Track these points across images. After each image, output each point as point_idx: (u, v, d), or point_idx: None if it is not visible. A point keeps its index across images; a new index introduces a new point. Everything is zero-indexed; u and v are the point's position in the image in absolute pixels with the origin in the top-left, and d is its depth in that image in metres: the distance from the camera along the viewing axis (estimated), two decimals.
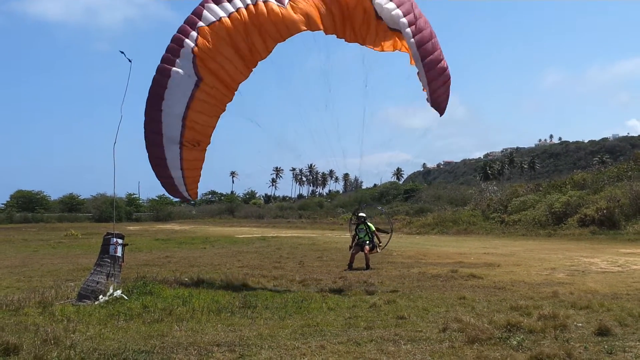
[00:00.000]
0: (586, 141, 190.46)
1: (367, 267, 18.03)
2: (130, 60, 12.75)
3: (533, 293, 12.57)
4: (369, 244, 18.55)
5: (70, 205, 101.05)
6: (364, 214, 19.21)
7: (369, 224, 18.91)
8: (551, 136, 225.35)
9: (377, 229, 19.31)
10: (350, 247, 18.94)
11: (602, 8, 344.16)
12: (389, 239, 20.14)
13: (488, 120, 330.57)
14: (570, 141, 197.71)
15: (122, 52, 12.62)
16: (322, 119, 14.42)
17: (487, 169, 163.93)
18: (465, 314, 9.89)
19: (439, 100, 13.09)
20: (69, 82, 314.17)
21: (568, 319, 9.21)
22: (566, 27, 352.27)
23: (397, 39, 13.46)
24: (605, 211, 35.42)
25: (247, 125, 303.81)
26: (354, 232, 19.18)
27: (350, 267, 18.16)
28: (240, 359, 7.05)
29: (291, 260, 21.82)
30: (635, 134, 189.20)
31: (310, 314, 10.21)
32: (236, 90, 12.79)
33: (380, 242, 19.08)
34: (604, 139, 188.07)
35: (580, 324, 8.97)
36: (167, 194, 14.58)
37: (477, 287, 13.58)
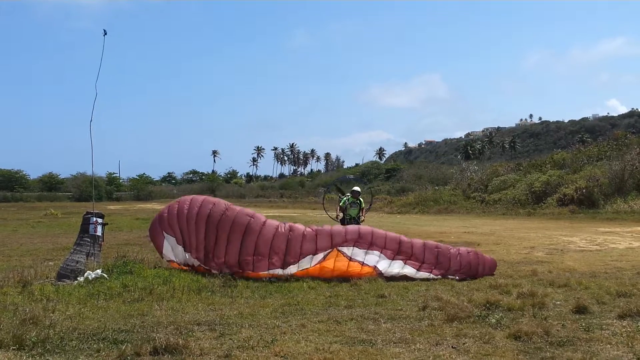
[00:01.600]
0: (566, 121, 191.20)
1: None
2: (105, 33, 12.67)
3: (512, 271, 12.69)
4: (358, 222, 17.25)
5: (50, 185, 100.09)
6: (358, 189, 17.94)
7: (360, 199, 17.76)
8: (531, 116, 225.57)
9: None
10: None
11: None
12: (369, 207, 19.98)
13: (470, 100, 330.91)
14: (551, 121, 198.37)
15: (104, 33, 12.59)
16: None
17: (468, 149, 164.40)
18: (445, 292, 9.96)
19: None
20: (48, 60, 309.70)
21: (546, 297, 9.31)
22: (550, 6, 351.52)
23: None
24: (584, 190, 35.80)
25: (229, 103, 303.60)
26: (340, 205, 17.80)
27: None
28: (221, 338, 7.04)
29: None
30: (615, 114, 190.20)
31: (291, 293, 10.22)
32: None
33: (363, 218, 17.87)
34: (584, 119, 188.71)
35: (558, 302, 9.06)
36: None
37: None
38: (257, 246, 11.68)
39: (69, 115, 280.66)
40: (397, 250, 12.00)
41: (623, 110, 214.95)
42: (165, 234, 12.18)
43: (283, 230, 11.95)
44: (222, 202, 12.39)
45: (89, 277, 10.65)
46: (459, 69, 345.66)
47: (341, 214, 17.73)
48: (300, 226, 12.30)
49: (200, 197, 12.61)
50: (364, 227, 12.76)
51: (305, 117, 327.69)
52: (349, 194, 18.00)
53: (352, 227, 12.76)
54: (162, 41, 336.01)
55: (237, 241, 11.72)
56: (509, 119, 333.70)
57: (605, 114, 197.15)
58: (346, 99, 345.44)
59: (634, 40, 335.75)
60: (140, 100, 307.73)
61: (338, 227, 12.76)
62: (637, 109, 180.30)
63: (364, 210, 17.98)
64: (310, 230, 12.18)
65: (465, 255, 12.14)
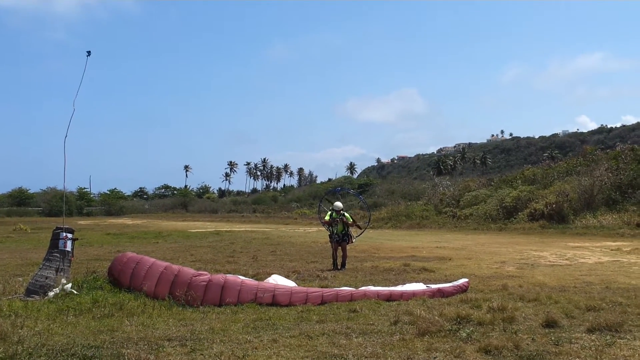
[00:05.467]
0: (537, 137, 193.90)
1: (343, 265, 16.99)
2: (89, 54, 12.55)
3: (483, 286, 12.78)
4: (346, 239, 17.22)
5: (20, 199, 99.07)
6: (340, 204, 17.53)
7: (346, 214, 17.45)
8: (502, 131, 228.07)
9: (354, 222, 17.79)
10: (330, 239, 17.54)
11: (564, 2, 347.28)
12: (364, 229, 19.77)
13: (446, 114, 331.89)
14: (521, 137, 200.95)
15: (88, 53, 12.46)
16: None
17: (440, 164, 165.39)
18: (417, 306, 9.99)
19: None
20: (19, 71, 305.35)
21: (516, 311, 9.38)
22: (528, 21, 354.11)
23: None
24: (554, 205, 36.21)
25: (202, 117, 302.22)
26: (327, 219, 17.54)
27: (335, 266, 17.00)
28: (192, 353, 6.99)
29: (245, 254, 21.77)
30: (585, 130, 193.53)
31: (262, 308, 10.18)
32: None
33: (353, 234, 17.69)
34: (554, 135, 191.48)
35: (528, 316, 9.13)
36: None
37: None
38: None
39: (40, 129, 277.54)
40: None
41: (593, 126, 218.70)
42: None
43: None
44: (159, 263, 11.40)
45: (66, 289, 10.55)
46: (436, 83, 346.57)
47: (328, 226, 17.48)
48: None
49: (136, 257, 11.59)
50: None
51: (280, 131, 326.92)
52: (332, 209, 17.65)
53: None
54: (135, 53, 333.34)
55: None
56: (481, 134, 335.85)
57: (575, 130, 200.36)
58: (322, 112, 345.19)
59: (611, 55, 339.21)
60: (112, 114, 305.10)
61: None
62: (606, 125, 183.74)
63: (353, 222, 17.60)
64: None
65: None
